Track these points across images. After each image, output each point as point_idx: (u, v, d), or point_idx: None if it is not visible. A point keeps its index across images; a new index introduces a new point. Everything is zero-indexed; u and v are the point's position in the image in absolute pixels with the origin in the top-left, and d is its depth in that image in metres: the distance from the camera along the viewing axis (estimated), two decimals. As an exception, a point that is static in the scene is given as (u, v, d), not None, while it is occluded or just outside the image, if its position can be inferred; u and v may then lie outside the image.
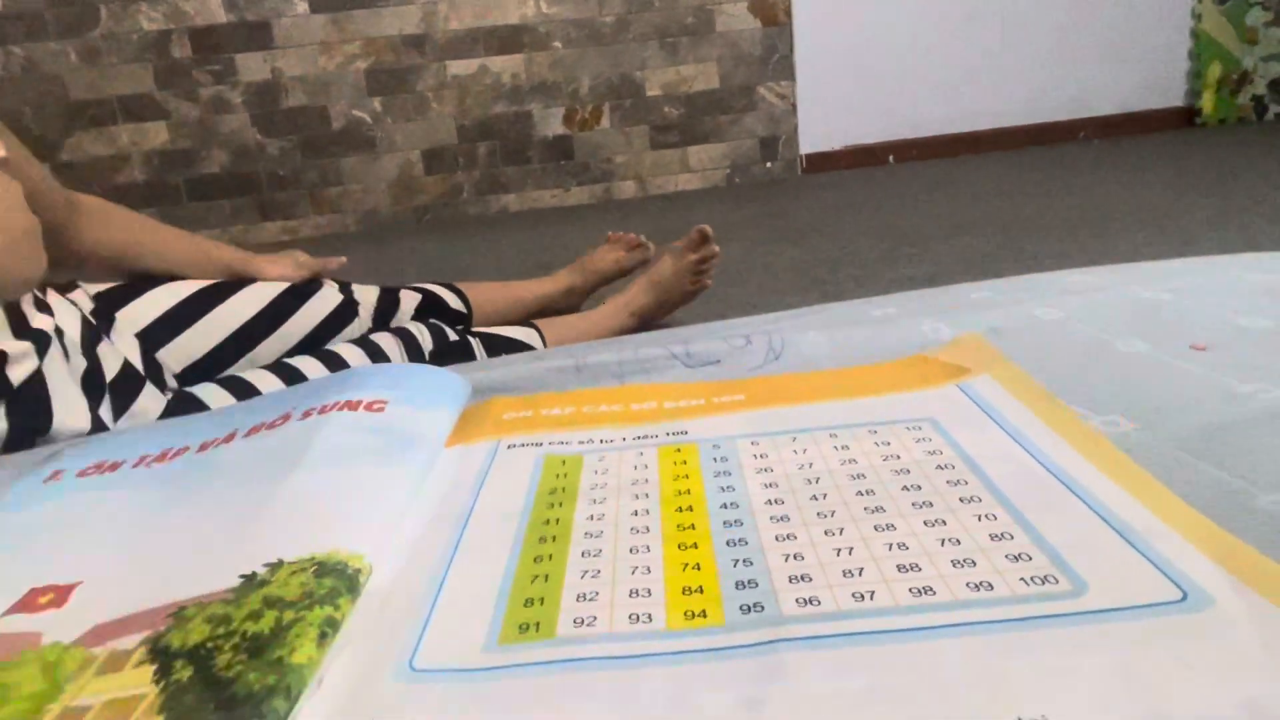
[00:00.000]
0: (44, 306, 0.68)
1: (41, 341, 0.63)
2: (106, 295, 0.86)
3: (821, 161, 3.18)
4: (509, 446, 0.34)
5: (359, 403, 0.35)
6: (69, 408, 0.63)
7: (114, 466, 0.35)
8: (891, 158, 3.20)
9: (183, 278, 0.93)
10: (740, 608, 0.22)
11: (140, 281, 0.90)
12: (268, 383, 0.83)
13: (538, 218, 2.92)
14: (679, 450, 0.32)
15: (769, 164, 3.17)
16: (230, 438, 0.35)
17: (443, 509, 0.29)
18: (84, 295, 0.82)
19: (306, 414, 0.35)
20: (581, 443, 0.33)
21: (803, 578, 0.22)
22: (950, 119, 3.18)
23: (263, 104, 2.94)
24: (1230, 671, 0.17)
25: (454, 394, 0.39)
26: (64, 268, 0.84)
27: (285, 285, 0.97)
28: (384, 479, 0.30)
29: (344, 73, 2.95)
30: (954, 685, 0.18)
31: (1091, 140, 3.20)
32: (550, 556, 0.25)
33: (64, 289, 0.80)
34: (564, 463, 0.32)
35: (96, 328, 0.76)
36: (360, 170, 3.04)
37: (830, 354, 0.43)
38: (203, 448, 0.35)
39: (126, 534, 0.29)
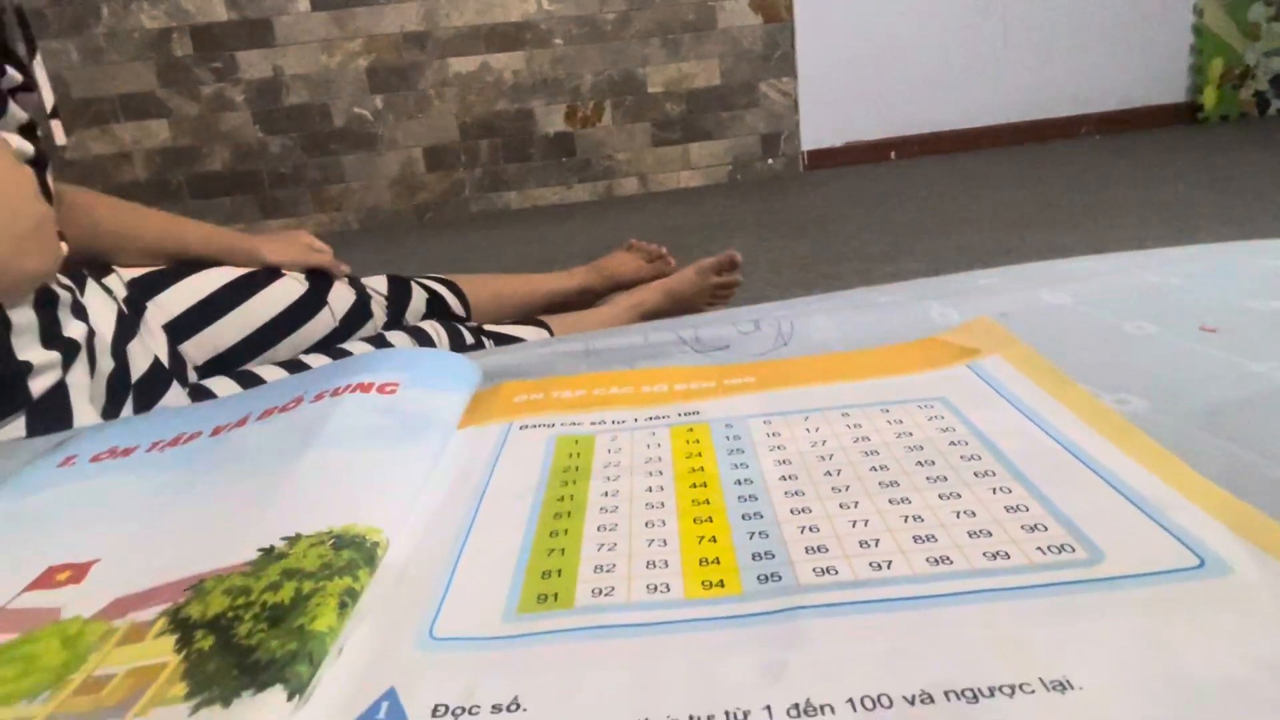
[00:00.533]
0: (80, 310, 0.68)
1: (70, 351, 0.63)
2: (140, 282, 0.86)
3: (823, 158, 3.19)
4: (521, 427, 0.34)
5: (371, 385, 0.35)
6: (90, 420, 0.63)
7: (127, 451, 0.35)
8: (894, 154, 3.20)
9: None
10: (758, 577, 0.22)
11: (173, 269, 0.89)
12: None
13: (539, 215, 2.93)
14: (691, 430, 0.32)
15: (771, 160, 3.17)
16: (243, 422, 0.35)
17: (456, 487, 0.29)
18: (119, 281, 0.82)
19: (318, 397, 0.35)
20: (594, 423, 0.34)
21: (819, 548, 0.23)
22: (952, 115, 3.19)
23: (264, 101, 2.95)
24: (1249, 635, 0.18)
25: (465, 378, 0.39)
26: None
27: (307, 283, 0.97)
28: (398, 458, 0.30)
29: (345, 70, 2.95)
30: (975, 649, 0.18)
31: (1093, 136, 3.20)
32: (566, 531, 0.25)
33: (100, 273, 0.79)
34: (576, 442, 0.32)
35: (129, 320, 0.76)
36: (362, 168, 3.05)
37: (839, 338, 0.43)
38: (215, 432, 0.35)
39: (142, 513, 0.29)
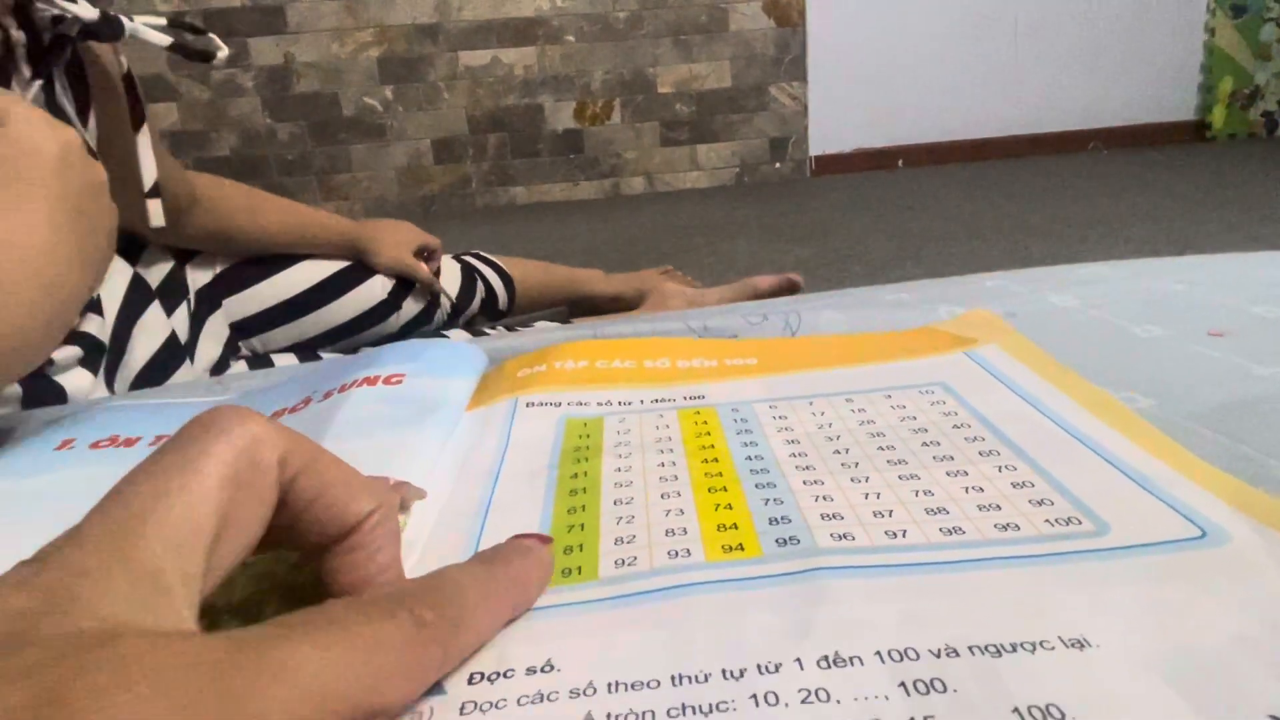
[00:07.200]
0: (93, 304, 0.68)
1: (91, 347, 0.63)
2: (225, 276, 0.87)
3: (831, 163, 3.19)
4: (527, 404, 0.34)
5: (377, 378, 0.35)
6: (84, 392, 0.63)
7: (129, 442, 0.34)
8: (901, 162, 3.20)
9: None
10: (776, 541, 0.22)
11: (259, 267, 0.90)
12: None
13: (545, 211, 2.93)
14: (698, 413, 0.32)
15: (778, 164, 3.18)
16: None
17: (469, 469, 0.29)
18: (206, 271, 0.83)
19: (326, 395, 0.35)
20: (600, 404, 0.34)
21: (835, 516, 0.23)
22: (961, 125, 3.19)
23: (274, 88, 2.95)
24: (1254, 597, 0.18)
25: (470, 364, 0.39)
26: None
27: (390, 286, 0.97)
28: (409, 440, 0.30)
29: (356, 60, 2.96)
30: (993, 610, 0.19)
31: (1102, 151, 3.20)
32: (583, 507, 0.26)
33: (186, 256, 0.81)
34: (585, 424, 0.32)
35: (137, 301, 0.76)
36: (369, 158, 3.05)
37: (846, 332, 0.43)
38: None
39: None
